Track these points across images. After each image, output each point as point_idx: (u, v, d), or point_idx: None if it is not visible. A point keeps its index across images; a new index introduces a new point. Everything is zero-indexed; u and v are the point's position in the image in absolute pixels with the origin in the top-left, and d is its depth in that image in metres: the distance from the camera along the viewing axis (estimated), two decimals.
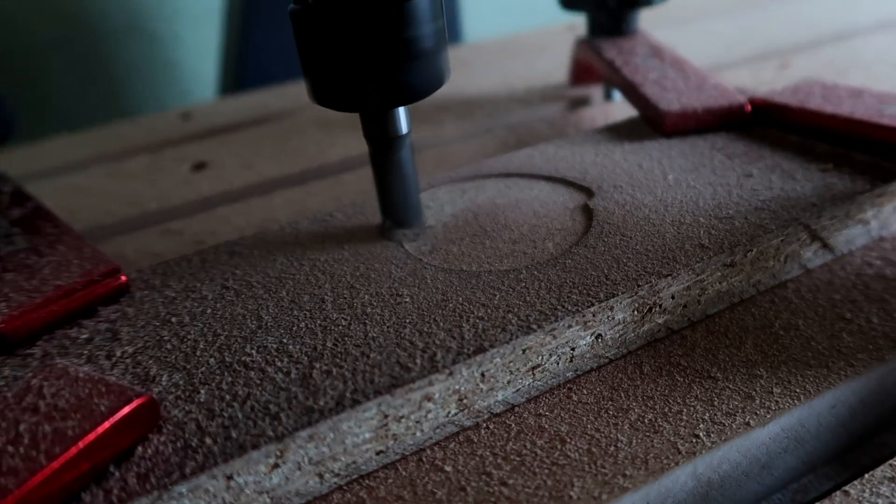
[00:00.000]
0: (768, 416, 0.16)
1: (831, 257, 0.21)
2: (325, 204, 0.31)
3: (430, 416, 0.16)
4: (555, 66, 0.44)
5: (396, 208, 0.22)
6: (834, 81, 0.27)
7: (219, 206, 0.32)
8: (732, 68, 0.42)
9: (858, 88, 0.26)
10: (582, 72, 0.39)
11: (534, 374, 0.17)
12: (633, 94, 0.29)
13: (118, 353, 0.18)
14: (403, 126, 0.20)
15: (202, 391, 0.16)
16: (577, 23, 0.38)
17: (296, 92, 0.49)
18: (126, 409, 0.14)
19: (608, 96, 0.37)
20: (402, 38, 0.18)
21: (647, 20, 0.52)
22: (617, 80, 0.31)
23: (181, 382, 0.16)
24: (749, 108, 0.26)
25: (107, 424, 0.14)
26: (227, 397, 0.16)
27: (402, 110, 0.20)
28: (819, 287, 0.20)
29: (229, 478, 0.14)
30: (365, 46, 0.18)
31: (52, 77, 0.81)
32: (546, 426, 0.16)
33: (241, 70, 0.69)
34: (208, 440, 0.15)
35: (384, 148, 0.21)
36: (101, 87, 0.84)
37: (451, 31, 0.68)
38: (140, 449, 0.15)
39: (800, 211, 0.20)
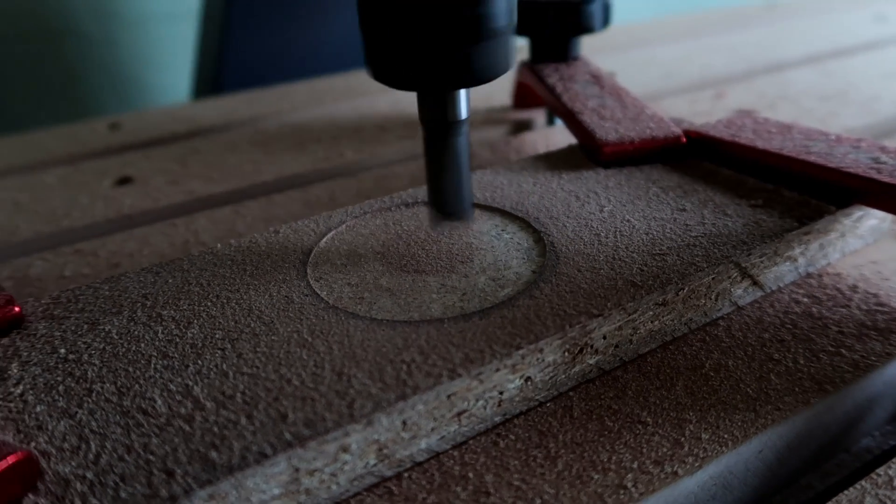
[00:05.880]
0: (696, 465, 0.15)
1: (761, 294, 0.21)
2: (254, 225, 0.29)
3: (346, 468, 0.15)
4: (498, 89, 0.44)
5: (447, 198, 0.21)
6: (765, 115, 0.27)
7: (139, 226, 0.30)
8: (670, 96, 0.42)
9: (788, 124, 0.26)
10: (525, 95, 0.39)
11: (459, 421, 0.16)
12: (572, 121, 0.29)
13: (1, 396, 0.16)
14: (463, 111, 0.19)
15: (93, 442, 0.15)
16: (524, 47, 0.38)
17: (234, 105, 0.47)
18: None
19: (551, 121, 0.37)
20: (473, 14, 0.17)
21: (589, 46, 0.52)
22: (557, 106, 0.31)
23: (71, 432, 0.15)
24: (684, 139, 0.26)
25: None
26: (120, 450, 0.14)
27: (463, 93, 0.19)
28: (749, 325, 0.20)
29: None
30: (432, 20, 0.17)
31: None
32: (470, 476, 0.15)
33: (219, 75, 0.65)
34: (94, 502, 0.13)
35: (440, 133, 0.19)
36: (31, 94, 0.80)
37: None
38: None
39: (731, 248, 0.20)
